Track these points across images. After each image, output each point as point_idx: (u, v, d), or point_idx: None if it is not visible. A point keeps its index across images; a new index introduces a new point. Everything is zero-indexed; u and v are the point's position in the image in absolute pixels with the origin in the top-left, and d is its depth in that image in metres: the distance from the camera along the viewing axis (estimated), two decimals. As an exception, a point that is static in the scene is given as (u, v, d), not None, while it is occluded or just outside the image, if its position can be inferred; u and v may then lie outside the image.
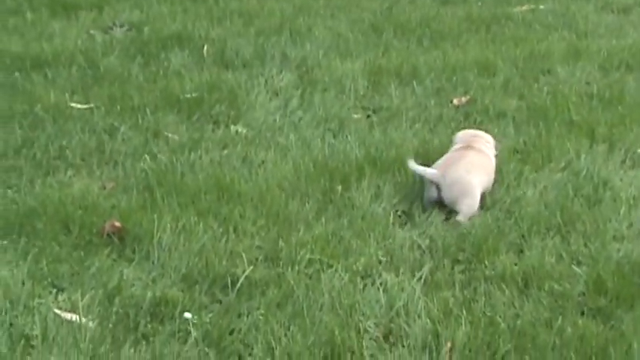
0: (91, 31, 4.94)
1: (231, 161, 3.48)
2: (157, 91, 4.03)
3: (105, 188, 3.21)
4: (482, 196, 3.11)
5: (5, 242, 2.77)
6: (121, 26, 5.05)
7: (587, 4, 5.56)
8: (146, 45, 4.64)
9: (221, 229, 2.93)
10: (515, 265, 2.75)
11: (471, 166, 3.13)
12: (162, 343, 2.33)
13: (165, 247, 2.80)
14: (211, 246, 2.83)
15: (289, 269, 2.72)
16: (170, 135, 3.67)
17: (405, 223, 3.04)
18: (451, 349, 2.34)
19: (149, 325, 2.41)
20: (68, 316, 2.41)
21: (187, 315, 2.46)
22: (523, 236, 2.92)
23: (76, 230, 2.88)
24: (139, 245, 2.81)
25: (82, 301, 2.50)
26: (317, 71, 4.33)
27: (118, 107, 3.91)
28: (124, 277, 2.62)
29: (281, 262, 2.76)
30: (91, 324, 2.38)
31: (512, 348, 2.33)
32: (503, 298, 2.55)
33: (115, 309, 2.46)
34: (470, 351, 2.32)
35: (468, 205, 3.06)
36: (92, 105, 3.93)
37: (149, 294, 2.53)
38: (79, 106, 3.93)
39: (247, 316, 2.48)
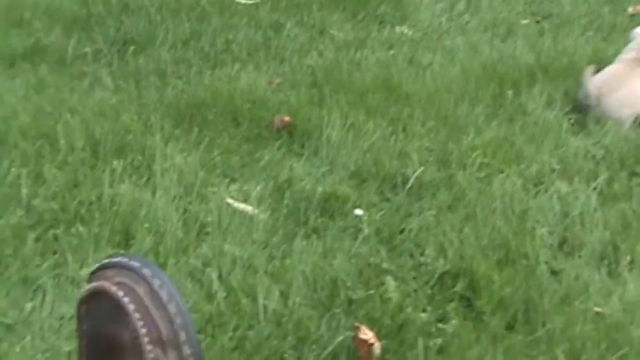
0: None
1: (398, 62, 3.41)
2: (322, -12, 3.98)
3: (272, 83, 3.20)
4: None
5: (177, 131, 2.80)
6: None
7: None
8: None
9: (390, 129, 2.89)
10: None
11: (631, 97, 2.96)
12: (333, 237, 2.32)
13: (333, 144, 2.78)
14: (380, 145, 2.79)
15: (460, 172, 2.65)
16: (335, 33, 3.62)
17: (579, 132, 2.92)
18: (630, 263, 2.24)
19: (319, 220, 2.40)
20: (240, 206, 2.43)
21: (358, 212, 2.44)
22: None
23: (245, 123, 2.89)
24: (307, 140, 2.80)
25: (253, 192, 2.50)
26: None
27: (284, 4, 3.89)
28: (294, 171, 2.61)
29: (451, 165, 2.70)
30: (262, 215, 2.39)
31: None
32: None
33: (285, 202, 2.46)
34: (650, 266, 2.22)
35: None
36: (257, 0, 3.91)
37: (319, 189, 2.51)
38: (243, 1, 3.92)
39: (418, 217, 2.43)
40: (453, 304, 2.06)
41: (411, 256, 2.28)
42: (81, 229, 2.26)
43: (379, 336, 1.91)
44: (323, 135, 2.80)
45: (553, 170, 2.68)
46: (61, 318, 1.97)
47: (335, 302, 2.05)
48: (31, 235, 2.22)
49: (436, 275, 2.16)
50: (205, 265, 2.14)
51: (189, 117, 2.91)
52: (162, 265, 2.06)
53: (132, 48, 3.44)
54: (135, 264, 1.42)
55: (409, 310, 2.01)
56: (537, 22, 3.90)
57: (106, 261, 1.45)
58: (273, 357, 1.85)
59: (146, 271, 1.41)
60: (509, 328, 1.98)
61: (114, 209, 2.33)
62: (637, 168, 2.71)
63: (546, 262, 2.24)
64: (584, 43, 3.59)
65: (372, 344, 1.85)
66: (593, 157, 2.77)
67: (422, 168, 2.65)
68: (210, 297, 2.02)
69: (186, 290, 2.03)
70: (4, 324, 1.94)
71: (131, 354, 1.37)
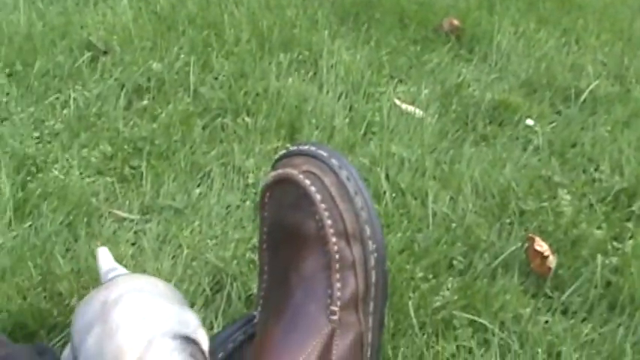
0: None
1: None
2: None
3: (440, -14, 3.09)
4: None
5: (343, 29, 2.74)
6: None
7: None
8: None
9: (562, 40, 2.76)
10: None
11: None
12: (503, 146, 2.24)
13: (504, 51, 2.67)
14: (553, 55, 2.67)
15: (637, 88, 2.51)
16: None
17: None
18: None
19: (488, 127, 2.32)
20: (407, 107, 2.36)
21: (529, 122, 2.34)
22: None
23: (413, 25, 2.80)
24: (477, 46, 2.70)
25: (420, 95, 2.43)
26: None
27: None
28: (462, 76, 2.53)
29: (628, 81, 2.56)
30: (430, 119, 2.32)
31: None
32: None
33: (453, 107, 2.38)
34: None
35: None
36: None
37: (488, 96, 2.43)
38: None
39: (591, 131, 2.32)
40: (629, 224, 1.96)
41: (585, 171, 2.18)
42: (247, 119, 2.24)
43: (552, 250, 1.83)
44: (493, 41, 2.70)
45: None
46: (228, 206, 1.97)
47: (505, 212, 1.98)
48: (199, 123, 2.22)
49: (612, 193, 2.05)
50: (373, 164, 2.09)
51: (355, 15, 2.85)
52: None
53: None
54: (323, 153, 1.38)
55: (583, 225, 1.92)
56: None
57: (294, 148, 1.41)
58: (442, 262, 1.79)
59: (334, 162, 1.37)
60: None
61: (281, 102, 2.30)
62: None
63: None
64: None
65: (546, 256, 1.78)
66: None
67: (596, 82, 2.53)
68: (378, 196, 1.98)
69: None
70: (172, 207, 1.94)
71: (315, 244, 1.34)
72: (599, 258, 1.81)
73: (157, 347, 1.24)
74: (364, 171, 2.08)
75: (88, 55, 2.46)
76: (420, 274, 1.75)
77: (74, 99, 2.28)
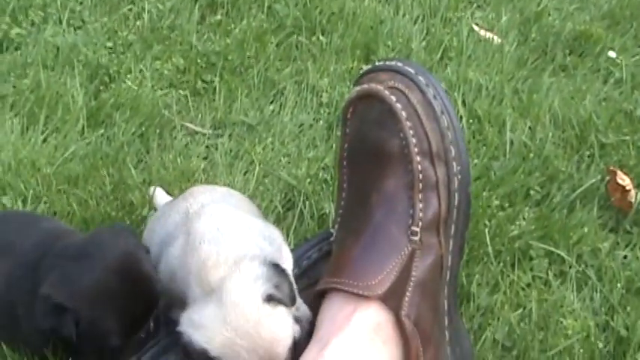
0: None
1: None
2: None
3: None
4: None
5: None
6: None
7: None
8: None
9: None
10: None
11: None
12: (583, 77, 2.17)
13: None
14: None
15: None
16: None
17: None
18: None
19: (568, 58, 2.25)
20: (486, 34, 2.30)
21: (611, 54, 2.26)
22: None
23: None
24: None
25: (499, 21, 2.36)
26: None
27: None
28: (542, 5, 2.44)
29: None
30: (508, 46, 2.25)
31: None
32: None
33: (532, 35, 2.31)
34: None
35: None
36: None
37: (569, 26, 2.35)
38: None
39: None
40: None
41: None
42: (322, 38, 2.20)
43: (634, 184, 1.78)
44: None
45: None
46: (301, 125, 1.94)
47: (585, 144, 1.92)
48: (273, 40, 2.18)
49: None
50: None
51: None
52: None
53: None
54: (410, 69, 1.34)
55: (666, 160, 1.86)
56: None
57: (380, 63, 1.37)
58: (518, 191, 1.75)
59: (421, 79, 1.33)
60: None
61: (356, 23, 2.25)
62: None
63: None
64: None
65: (628, 191, 1.72)
66: None
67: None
68: (454, 122, 1.93)
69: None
70: (245, 123, 1.92)
71: (398, 163, 1.30)
72: (683, 194, 1.75)
73: (244, 271, 1.21)
74: (440, 96, 2.03)
75: (161, -33, 2.42)
76: (496, 203, 1.71)
77: (147, 11, 2.25)
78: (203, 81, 2.03)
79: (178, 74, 2.03)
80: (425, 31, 2.29)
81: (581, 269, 1.59)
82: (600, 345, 1.44)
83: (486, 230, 1.61)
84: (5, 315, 1.33)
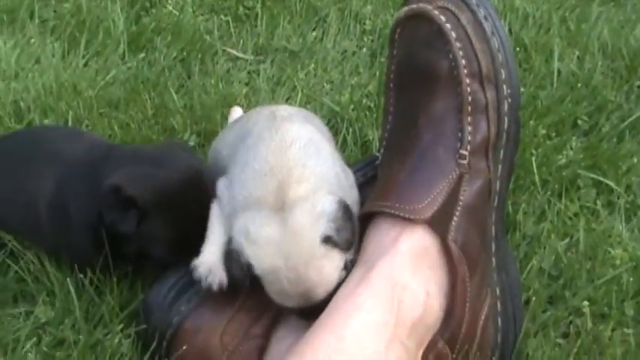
0: None
1: None
2: None
3: None
4: None
5: None
6: None
7: None
8: None
9: None
10: None
11: None
12: (633, 7, 2.13)
13: None
14: None
15: None
16: None
17: None
18: None
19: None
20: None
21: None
22: None
23: None
24: None
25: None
26: None
27: None
28: None
29: None
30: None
31: None
32: None
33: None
34: None
35: None
36: None
37: (619, -46, 2.27)
38: None
39: None
40: None
41: None
42: (366, -35, 2.15)
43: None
44: None
45: None
46: (344, 52, 1.91)
47: (635, 74, 1.88)
48: (315, -34, 2.13)
49: None
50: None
51: None
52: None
53: None
54: (460, -11, 1.29)
55: None
56: None
57: (429, -17, 1.33)
58: (566, 120, 1.71)
59: (472, -1, 1.28)
60: None
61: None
62: None
63: None
64: None
65: (680, 122, 1.68)
66: None
67: None
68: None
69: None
70: (287, 49, 1.89)
71: (447, 85, 1.27)
72: None
73: (316, 202, 1.17)
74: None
75: None
76: (543, 132, 1.67)
77: None
78: (245, 7, 2.00)
79: (219, 0, 2.00)
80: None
81: (630, 199, 1.56)
82: (649, 275, 1.41)
83: (533, 159, 1.58)
84: (55, 219, 1.32)
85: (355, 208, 1.27)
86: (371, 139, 1.65)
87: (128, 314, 1.34)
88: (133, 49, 1.84)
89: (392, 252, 1.20)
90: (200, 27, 1.90)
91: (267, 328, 1.24)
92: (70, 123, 1.62)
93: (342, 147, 1.64)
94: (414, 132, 1.28)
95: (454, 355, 1.19)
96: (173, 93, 1.72)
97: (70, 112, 1.64)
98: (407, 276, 1.19)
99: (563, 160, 1.61)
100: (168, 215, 1.23)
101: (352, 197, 1.27)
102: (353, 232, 1.20)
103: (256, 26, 1.93)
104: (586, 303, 1.35)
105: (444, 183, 1.23)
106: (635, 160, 1.63)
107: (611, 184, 1.57)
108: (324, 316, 1.16)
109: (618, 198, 1.56)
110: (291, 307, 1.19)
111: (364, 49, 1.89)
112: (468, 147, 1.26)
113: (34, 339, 1.31)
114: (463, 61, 1.27)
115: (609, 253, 1.44)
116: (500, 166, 1.29)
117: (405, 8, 1.32)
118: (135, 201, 1.22)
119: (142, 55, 1.83)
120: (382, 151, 1.34)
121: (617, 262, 1.42)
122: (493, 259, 1.28)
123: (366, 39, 1.92)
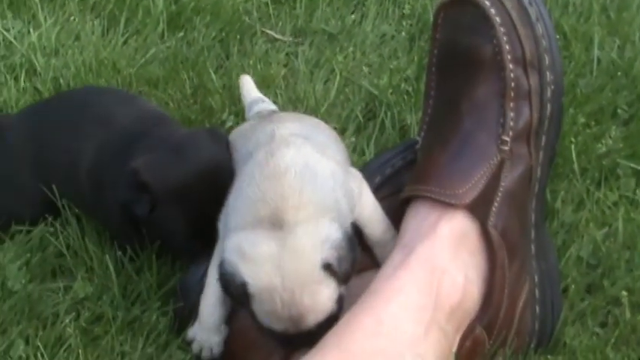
0: None
1: None
2: None
3: None
4: None
5: None
6: None
7: None
8: None
9: None
10: None
11: None
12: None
13: None
14: None
15: None
16: None
17: None
18: None
19: (660, -24, 2.15)
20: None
21: None
22: None
23: None
24: None
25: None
26: None
27: None
28: None
29: None
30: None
31: None
32: None
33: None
34: None
35: None
36: None
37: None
38: None
39: None
40: None
41: None
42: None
43: None
44: None
45: None
46: (383, 35, 1.90)
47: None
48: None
49: None
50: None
51: None
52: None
53: None
54: (506, -26, 1.29)
55: None
56: None
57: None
58: (605, 109, 1.70)
59: (517, -16, 1.27)
60: None
61: None
62: None
63: None
64: None
65: None
66: None
67: None
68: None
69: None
70: (326, 32, 1.89)
71: (490, 70, 1.27)
72: None
73: (320, 227, 1.14)
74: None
75: None
76: (582, 120, 1.66)
77: None
78: (284, -11, 2.00)
79: (259, -19, 2.00)
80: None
81: (669, 189, 1.54)
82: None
83: (572, 147, 1.57)
84: (94, 186, 1.34)
85: (367, 212, 1.28)
86: (409, 123, 1.64)
87: (165, 292, 1.35)
88: (172, 29, 1.85)
89: (432, 236, 1.20)
90: (239, 8, 1.90)
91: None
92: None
93: (379, 130, 1.64)
94: (455, 117, 1.28)
95: (491, 341, 1.19)
96: (212, 73, 1.72)
97: (110, 90, 1.65)
98: (446, 261, 1.19)
99: (603, 149, 1.60)
100: (179, 207, 1.25)
101: (362, 203, 1.26)
102: (353, 266, 1.16)
103: (295, 8, 1.93)
104: (625, 293, 1.34)
105: (486, 168, 1.23)
106: (676, 149, 1.61)
107: (652, 173, 1.56)
108: (363, 299, 1.16)
109: (658, 188, 1.55)
110: (276, 332, 1.15)
111: (403, 33, 1.89)
112: (510, 133, 1.25)
113: (73, 314, 1.32)
114: (507, 47, 1.26)
115: (648, 243, 1.43)
116: (541, 153, 1.29)
117: (450, -9, 1.31)
118: (148, 187, 1.23)
119: (181, 34, 1.83)
120: (422, 134, 1.34)
121: (657, 252, 1.41)
122: (532, 246, 1.28)
123: (404, 23, 1.92)
